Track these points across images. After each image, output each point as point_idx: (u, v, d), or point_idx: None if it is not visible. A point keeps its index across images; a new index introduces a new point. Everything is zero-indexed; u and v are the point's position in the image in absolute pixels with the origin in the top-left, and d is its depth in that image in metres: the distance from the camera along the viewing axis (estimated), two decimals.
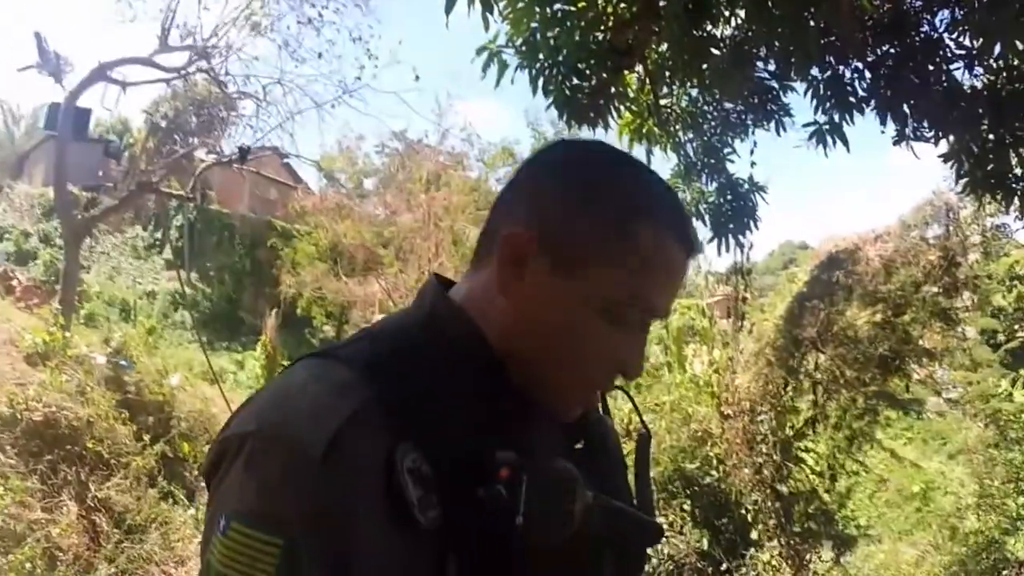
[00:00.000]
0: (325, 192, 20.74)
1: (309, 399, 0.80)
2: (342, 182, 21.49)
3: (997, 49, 3.59)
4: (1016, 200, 4.33)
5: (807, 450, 9.48)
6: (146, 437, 6.53)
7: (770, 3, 3.79)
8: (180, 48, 14.21)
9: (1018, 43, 3.39)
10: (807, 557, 9.05)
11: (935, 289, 8.85)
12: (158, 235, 22.41)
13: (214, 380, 10.04)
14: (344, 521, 0.75)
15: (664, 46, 4.55)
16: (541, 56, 4.14)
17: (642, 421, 1.21)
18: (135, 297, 18.83)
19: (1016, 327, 18.67)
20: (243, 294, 21.30)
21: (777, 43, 4.08)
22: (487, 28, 4.02)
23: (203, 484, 6.87)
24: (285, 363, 16.03)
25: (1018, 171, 4.23)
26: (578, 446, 1.06)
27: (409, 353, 0.90)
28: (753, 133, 5.07)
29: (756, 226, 5.06)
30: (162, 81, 15.29)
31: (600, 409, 1.14)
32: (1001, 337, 19.09)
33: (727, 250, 5.13)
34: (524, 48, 4.15)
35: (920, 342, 9.18)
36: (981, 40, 3.78)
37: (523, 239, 0.92)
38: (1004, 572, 9.48)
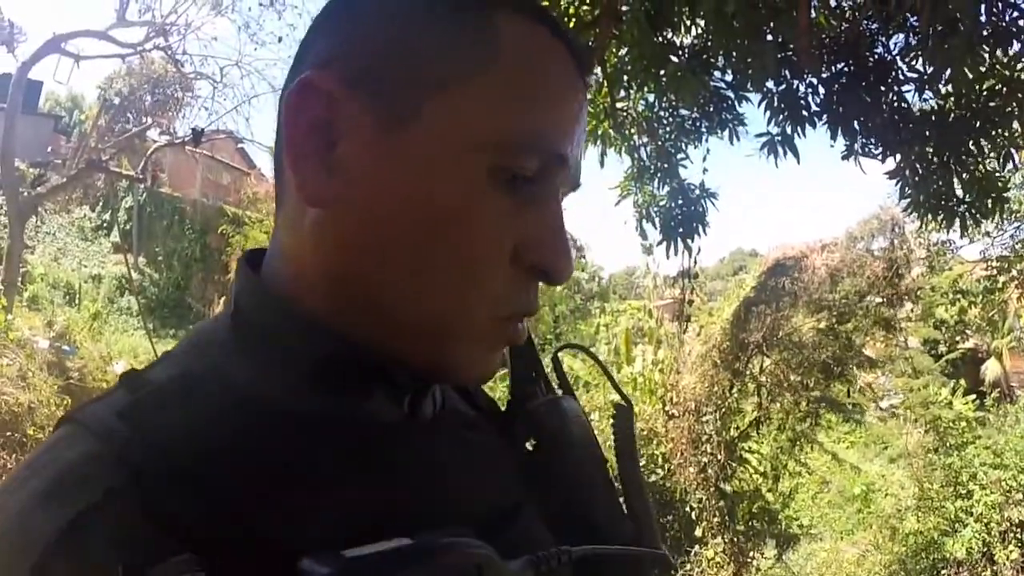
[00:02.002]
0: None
1: (13, 513, 0.48)
2: None
3: (947, 75, 3.68)
4: (957, 221, 4.45)
5: (751, 451, 9.68)
6: None
7: (730, 15, 3.85)
8: (138, 23, 13.98)
9: (967, 72, 3.47)
10: (750, 555, 9.25)
11: (878, 299, 9.11)
12: (106, 216, 21.93)
13: None
14: None
15: (624, 50, 4.58)
16: None
17: (618, 389, 0.86)
18: (80, 280, 18.43)
19: (957, 339, 19.29)
20: (191, 281, 20.89)
21: (735, 54, 4.13)
22: None
23: None
24: None
25: (960, 193, 4.35)
26: (529, 446, 0.73)
27: (196, 384, 0.54)
28: (707, 140, 5.13)
29: (705, 231, 5.15)
30: (117, 57, 15.04)
31: (544, 389, 0.78)
32: (942, 348, 19.66)
33: (675, 253, 5.21)
34: None
35: (863, 350, 9.47)
36: (932, 66, 3.87)
37: (318, 85, 0.55)
38: (943, 572, 9.92)
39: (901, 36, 4.30)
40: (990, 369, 19.36)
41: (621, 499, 0.76)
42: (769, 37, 4.00)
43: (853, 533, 12.96)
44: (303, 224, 0.57)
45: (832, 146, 4.58)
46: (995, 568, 9.70)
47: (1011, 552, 9.70)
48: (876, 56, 4.34)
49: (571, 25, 4.31)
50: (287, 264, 0.59)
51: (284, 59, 19.22)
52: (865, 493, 14.17)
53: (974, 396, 14.18)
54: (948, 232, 5.27)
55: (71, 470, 0.48)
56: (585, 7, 4.29)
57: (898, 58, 4.31)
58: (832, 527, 13.70)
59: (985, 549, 9.80)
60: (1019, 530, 9.83)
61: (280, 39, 14.28)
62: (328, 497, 0.51)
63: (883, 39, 4.39)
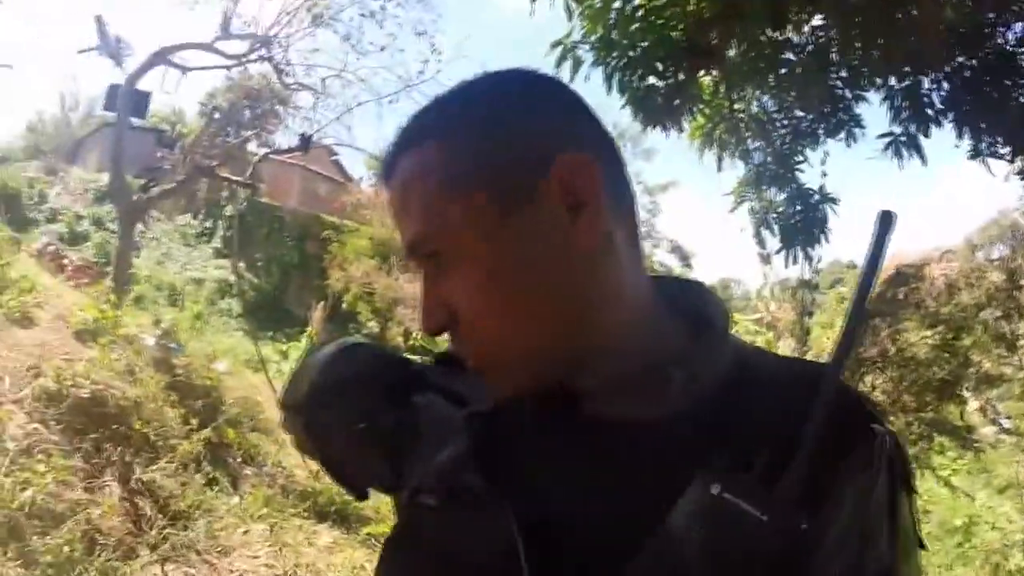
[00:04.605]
0: (380, 187, 20.84)
1: None
2: None
3: None
4: None
5: None
6: (193, 421, 6.44)
7: (854, 6, 3.70)
8: (241, 36, 14.33)
9: None
10: None
11: (997, 313, 8.59)
12: (208, 224, 22.66)
13: (258, 368, 10.07)
14: None
15: (740, 48, 4.44)
16: (616, 53, 4.05)
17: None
18: (183, 283, 19.03)
19: None
20: (290, 286, 21.40)
21: (859, 45, 3.96)
22: (570, 18, 3.98)
23: (247, 471, 6.65)
24: None
25: None
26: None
27: None
28: (824, 143, 4.93)
29: (827, 238, 4.88)
30: (222, 68, 15.41)
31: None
32: None
33: (795, 262, 4.97)
34: (599, 45, 4.07)
35: (982, 367, 8.96)
36: None
37: None
38: None
39: (1020, 26, 4.08)
40: None
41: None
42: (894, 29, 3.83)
43: (952, 568, 12.36)
44: None
45: (957, 146, 4.39)
46: None
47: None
48: (996, 48, 4.11)
49: (687, 24, 4.17)
50: None
51: (387, 67, 19.43)
52: (967, 525, 13.55)
53: None
54: None
55: None
56: (703, 3, 4.14)
57: (1019, 49, 4.08)
58: (930, 561, 13.10)
59: None
60: None
61: (382, 48, 14.44)
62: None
63: (1001, 30, 4.17)
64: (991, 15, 4.13)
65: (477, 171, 0.73)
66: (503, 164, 0.73)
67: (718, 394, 0.73)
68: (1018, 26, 4.11)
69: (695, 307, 0.81)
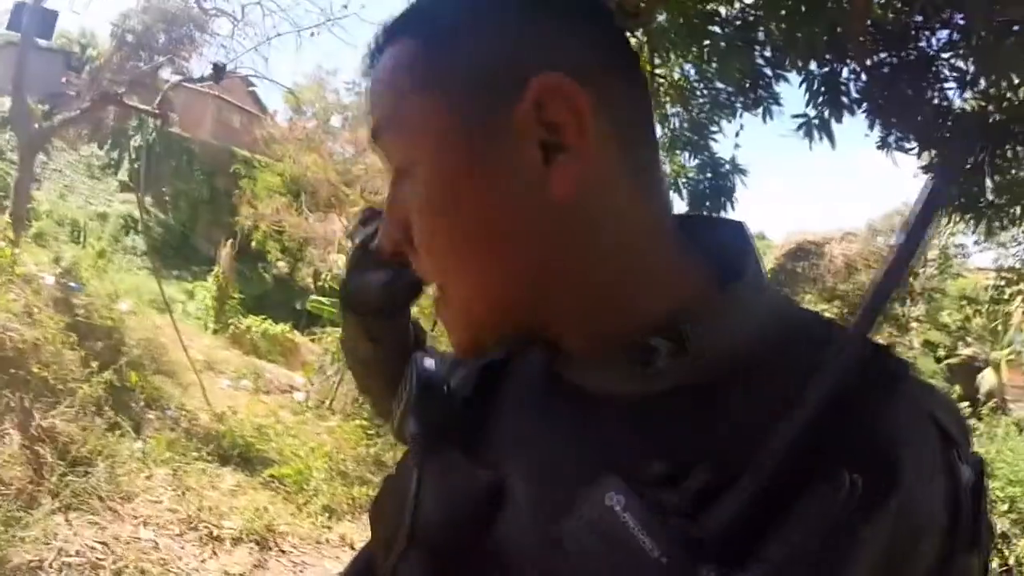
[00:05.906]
0: (295, 122, 20.25)
1: None
2: (310, 115, 21.04)
3: (992, 77, 3.63)
4: (984, 224, 4.39)
5: None
6: (94, 364, 6.25)
7: None
8: None
9: (1013, 76, 3.42)
10: None
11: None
12: (114, 155, 21.81)
13: (163, 308, 9.79)
14: None
15: (666, 15, 4.50)
16: None
17: None
18: (86, 218, 18.30)
19: (959, 344, 18.91)
20: (198, 222, 20.80)
21: (784, 26, 4.04)
22: None
23: (150, 415, 6.49)
24: (236, 296, 15.53)
25: (990, 197, 4.28)
26: None
27: None
28: (741, 116, 5.04)
29: (733, 207, 5.06)
30: None
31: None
32: (941, 352, 19.31)
33: None
34: None
35: None
36: (975, 66, 3.81)
37: None
38: None
39: (944, 33, 4.22)
40: (986, 379, 18.93)
41: None
42: (821, 17, 3.92)
43: None
44: None
45: (867, 135, 4.54)
46: None
47: (991, 561, 9.60)
48: (918, 49, 4.25)
49: None
50: None
51: None
52: None
53: (967, 404, 14.01)
54: (972, 233, 5.20)
55: None
56: None
57: (941, 54, 4.23)
58: None
59: None
60: (1001, 541, 9.77)
61: None
62: None
63: (927, 33, 4.30)
64: (919, 18, 4.25)
65: (442, 73, 0.61)
66: (472, 73, 0.60)
67: (723, 369, 0.58)
68: (943, 33, 4.24)
69: (723, 255, 0.65)
